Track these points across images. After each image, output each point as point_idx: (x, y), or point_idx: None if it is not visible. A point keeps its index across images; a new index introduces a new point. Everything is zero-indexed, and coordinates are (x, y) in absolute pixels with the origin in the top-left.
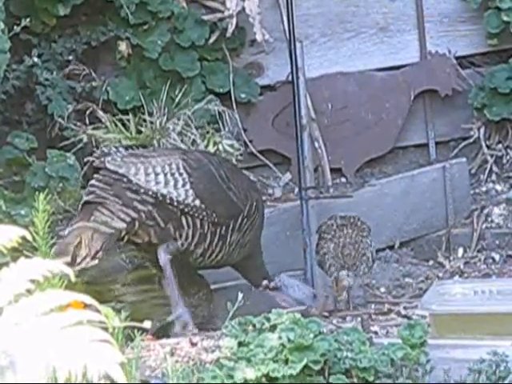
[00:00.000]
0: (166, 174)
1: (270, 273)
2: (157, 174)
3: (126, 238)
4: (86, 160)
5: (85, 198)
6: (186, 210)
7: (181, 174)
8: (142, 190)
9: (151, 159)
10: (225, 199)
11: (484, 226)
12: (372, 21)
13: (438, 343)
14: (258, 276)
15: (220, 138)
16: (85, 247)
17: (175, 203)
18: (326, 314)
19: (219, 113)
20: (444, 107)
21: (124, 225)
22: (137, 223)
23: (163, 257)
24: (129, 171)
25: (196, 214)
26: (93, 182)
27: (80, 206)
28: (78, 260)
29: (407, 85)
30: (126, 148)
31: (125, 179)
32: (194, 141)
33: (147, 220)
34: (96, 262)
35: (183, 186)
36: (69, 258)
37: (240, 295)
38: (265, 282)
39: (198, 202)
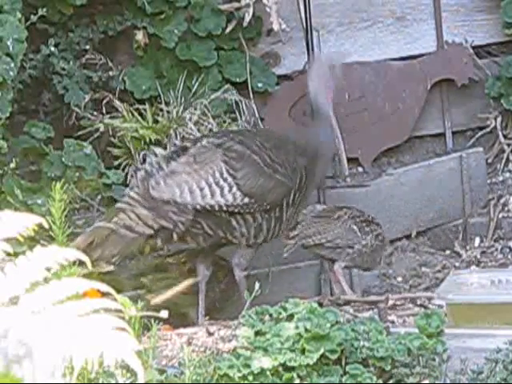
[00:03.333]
0: (210, 186)
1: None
2: (201, 189)
3: (173, 240)
4: (125, 172)
5: (117, 206)
6: (235, 210)
7: (225, 180)
8: (190, 207)
9: (194, 174)
10: (274, 185)
11: (501, 215)
12: (389, 10)
13: (455, 333)
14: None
15: (237, 128)
16: (97, 249)
17: (224, 208)
18: (340, 302)
19: (236, 102)
20: (461, 97)
21: (150, 231)
22: (175, 235)
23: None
24: (174, 195)
25: (247, 211)
26: (132, 194)
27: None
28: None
29: (424, 74)
30: (167, 159)
31: (171, 202)
32: (210, 130)
33: (193, 228)
34: (111, 267)
35: (229, 190)
36: None
37: (257, 285)
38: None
39: (247, 200)
